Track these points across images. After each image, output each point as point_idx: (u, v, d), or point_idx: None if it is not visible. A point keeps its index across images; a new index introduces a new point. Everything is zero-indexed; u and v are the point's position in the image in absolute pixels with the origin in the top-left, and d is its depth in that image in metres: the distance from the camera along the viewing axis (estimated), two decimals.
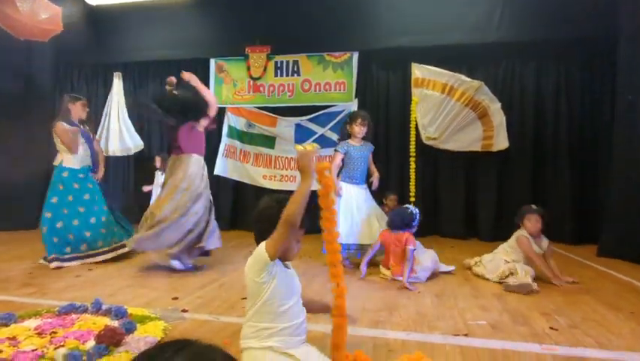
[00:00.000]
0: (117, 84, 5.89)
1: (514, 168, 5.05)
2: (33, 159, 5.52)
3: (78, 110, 3.75)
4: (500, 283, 3.02)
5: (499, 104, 4.80)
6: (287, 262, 1.56)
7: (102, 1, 5.57)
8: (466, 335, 2.06)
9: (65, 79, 6.38)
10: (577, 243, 4.70)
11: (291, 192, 4.92)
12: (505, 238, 3.43)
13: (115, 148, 5.67)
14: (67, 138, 3.59)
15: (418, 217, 3.27)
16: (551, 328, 2.16)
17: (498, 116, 4.82)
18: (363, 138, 3.73)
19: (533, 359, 1.79)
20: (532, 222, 3.13)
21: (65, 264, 3.42)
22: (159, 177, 5.55)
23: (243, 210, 5.78)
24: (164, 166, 5.48)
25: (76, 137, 3.66)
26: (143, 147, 5.82)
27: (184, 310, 2.32)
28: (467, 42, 4.98)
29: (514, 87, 5.10)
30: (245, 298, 2.56)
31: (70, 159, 3.66)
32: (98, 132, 5.52)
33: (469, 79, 4.75)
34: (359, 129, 3.63)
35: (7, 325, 1.89)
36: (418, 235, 3.34)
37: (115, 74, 5.89)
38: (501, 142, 4.86)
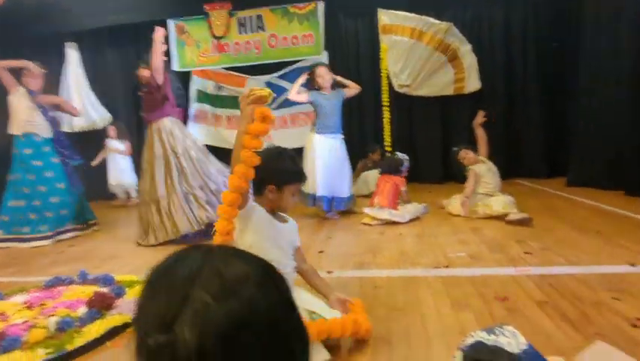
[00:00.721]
0: (72, 55, 5.57)
1: (487, 109, 5.11)
2: None
3: (29, 76, 3.49)
4: (475, 218, 3.23)
5: (469, 46, 4.79)
6: (283, 215, 1.53)
7: None
8: (446, 266, 2.17)
9: (14, 53, 5.94)
10: (549, 176, 4.91)
11: None
12: None
13: (80, 123, 5.44)
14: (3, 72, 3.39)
15: (406, 163, 3.55)
16: (525, 252, 2.29)
17: (468, 58, 4.82)
18: (333, 88, 3.69)
19: (509, 280, 1.91)
20: (465, 157, 3.47)
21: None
22: (116, 145, 5.29)
23: None
24: (121, 136, 5.24)
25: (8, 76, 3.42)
26: (111, 120, 5.61)
27: None
28: None
29: (482, 27, 5.08)
30: None
31: (12, 123, 3.42)
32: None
33: (437, 21, 4.69)
34: (322, 80, 3.59)
35: None
36: None
37: (68, 44, 5.54)
38: (473, 84, 4.90)
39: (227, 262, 0.46)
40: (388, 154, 4.33)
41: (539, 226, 2.84)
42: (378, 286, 1.93)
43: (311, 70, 3.71)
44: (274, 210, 1.50)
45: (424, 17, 4.69)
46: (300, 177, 1.50)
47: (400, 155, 3.64)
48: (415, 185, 5.10)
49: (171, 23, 5.44)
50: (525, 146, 5.07)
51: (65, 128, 5.42)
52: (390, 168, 3.56)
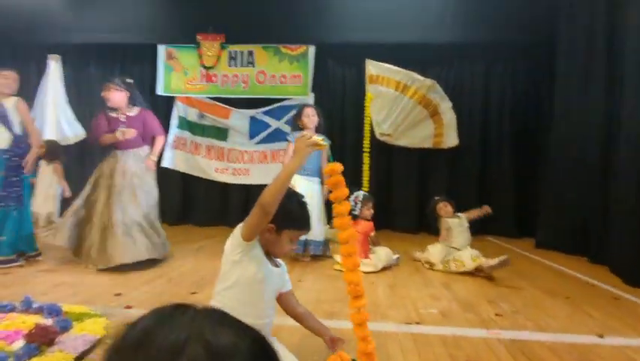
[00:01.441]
0: (54, 67, 5.44)
1: (463, 165, 5.28)
2: None
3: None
4: (447, 271, 3.23)
5: (449, 104, 4.99)
6: (277, 260, 1.48)
7: None
8: (418, 323, 2.10)
9: None
10: (518, 236, 5.00)
11: (243, 186, 4.79)
12: None
13: (51, 138, 5.22)
14: None
15: (358, 203, 3.37)
16: (496, 314, 2.26)
17: (448, 115, 5.01)
18: (317, 131, 3.69)
19: (481, 343, 1.86)
20: (443, 209, 3.51)
21: None
22: (44, 167, 4.69)
23: (192, 204, 5.58)
24: (50, 156, 4.68)
25: None
26: (85, 136, 5.42)
27: (128, 307, 2.17)
28: (420, 41, 5.12)
29: (464, 87, 5.32)
30: (194, 293, 2.47)
31: None
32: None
33: (422, 77, 4.89)
34: (308, 120, 3.57)
35: None
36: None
37: (51, 56, 5.43)
38: (451, 140, 5.06)
39: (216, 332, 0.41)
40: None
41: (509, 286, 2.85)
42: (348, 339, 1.83)
43: (299, 109, 3.72)
44: (268, 252, 1.42)
45: (409, 72, 4.88)
46: (303, 225, 1.45)
47: (352, 197, 3.40)
48: (388, 233, 5.10)
49: (161, 48, 5.45)
50: (497, 204, 5.17)
51: None
52: (351, 213, 3.46)
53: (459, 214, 3.53)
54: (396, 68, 4.91)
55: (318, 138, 1.39)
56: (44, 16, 5.48)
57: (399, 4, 5.13)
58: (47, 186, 4.67)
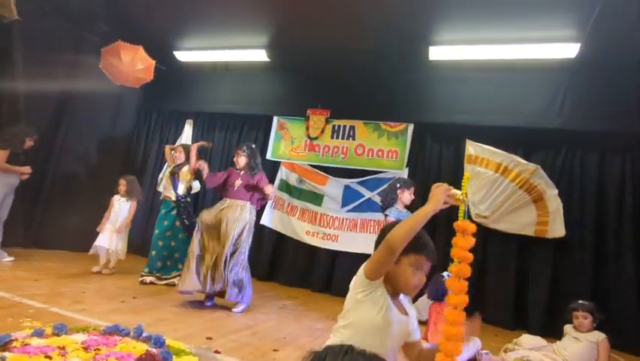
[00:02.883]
0: (187, 129, 6.47)
1: (571, 260, 4.73)
2: (97, 191, 6.01)
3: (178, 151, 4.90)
4: None
5: (555, 191, 4.66)
6: (405, 304, 1.38)
7: (188, 58, 6.30)
8: None
9: (145, 121, 7.10)
10: None
11: (330, 252, 4.98)
12: (556, 333, 3.19)
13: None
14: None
15: None
16: None
17: (554, 203, 4.65)
18: (408, 208, 3.74)
19: None
20: (579, 320, 3.00)
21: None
22: (121, 204, 4.69)
23: (281, 262, 5.83)
24: (130, 193, 4.76)
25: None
26: (199, 189, 6.16)
27: (217, 351, 2.34)
28: (525, 126, 4.97)
29: (573, 175, 4.92)
30: (276, 350, 2.56)
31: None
32: (162, 172, 5.96)
33: (524, 161, 4.71)
34: (409, 197, 3.66)
35: (58, 335, 2.02)
36: None
37: (187, 120, 6.48)
38: (557, 229, 4.65)
39: None
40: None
41: None
42: None
43: (402, 181, 3.84)
44: (396, 293, 1.32)
45: (511, 155, 4.74)
46: (423, 249, 1.32)
47: (446, 276, 3.31)
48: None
49: (275, 119, 6.17)
50: (615, 310, 4.48)
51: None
52: (437, 293, 3.14)
53: (595, 335, 2.95)
54: (497, 150, 4.82)
55: (457, 192, 1.33)
56: (183, 89, 6.68)
57: (500, 89, 5.13)
58: (116, 222, 4.61)
